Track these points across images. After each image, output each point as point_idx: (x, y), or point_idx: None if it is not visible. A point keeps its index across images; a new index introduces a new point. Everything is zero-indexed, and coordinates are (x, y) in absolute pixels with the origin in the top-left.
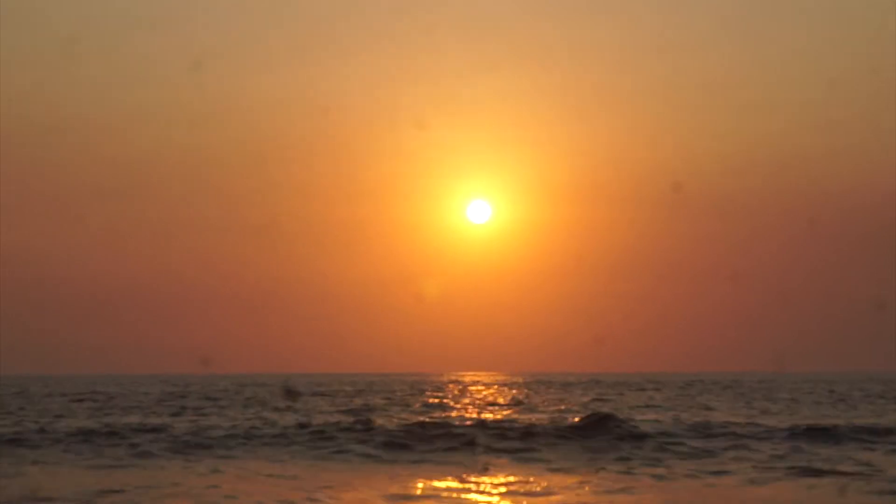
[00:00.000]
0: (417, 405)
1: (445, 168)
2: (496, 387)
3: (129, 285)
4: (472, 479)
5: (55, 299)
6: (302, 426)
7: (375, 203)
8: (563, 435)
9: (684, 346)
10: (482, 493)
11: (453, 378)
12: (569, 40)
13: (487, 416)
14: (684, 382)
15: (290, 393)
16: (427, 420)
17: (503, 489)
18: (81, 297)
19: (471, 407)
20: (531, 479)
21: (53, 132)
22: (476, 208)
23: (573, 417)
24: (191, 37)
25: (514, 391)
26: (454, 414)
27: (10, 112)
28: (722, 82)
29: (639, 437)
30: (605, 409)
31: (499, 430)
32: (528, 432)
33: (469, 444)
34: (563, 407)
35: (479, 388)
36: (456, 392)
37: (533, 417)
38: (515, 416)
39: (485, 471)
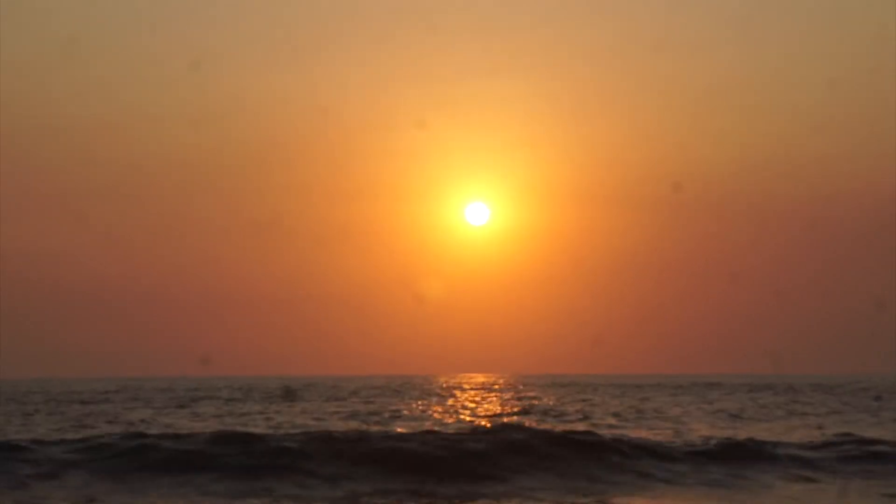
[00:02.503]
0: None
1: (444, 170)
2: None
3: (127, 286)
4: None
5: (55, 301)
6: None
7: (374, 204)
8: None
9: (683, 349)
10: None
11: (445, 381)
12: (568, 43)
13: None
14: (704, 384)
15: (289, 393)
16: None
17: None
18: (80, 299)
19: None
20: None
21: (53, 132)
22: (475, 210)
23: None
24: (191, 37)
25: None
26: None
27: (10, 112)
28: (722, 84)
29: None
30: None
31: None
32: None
33: None
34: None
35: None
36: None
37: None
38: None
39: None
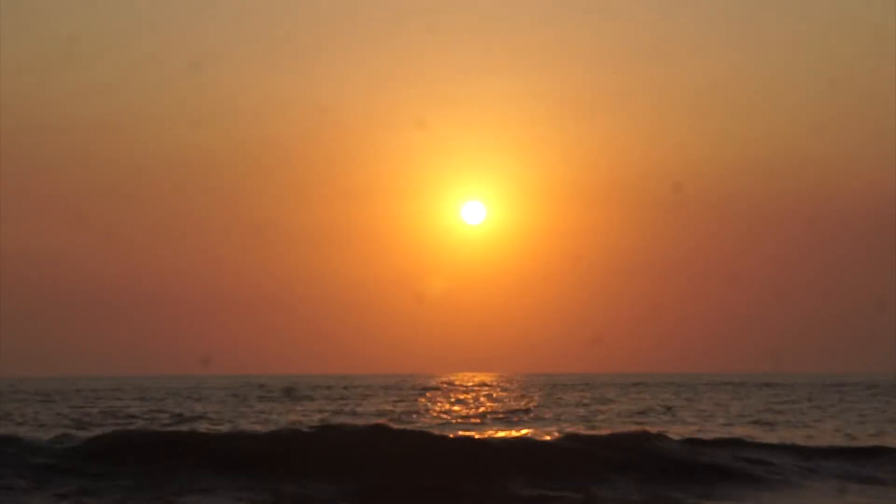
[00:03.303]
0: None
1: (441, 169)
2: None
3: (128, 286)
4: None
5: (54, 300)
6: None
7: (371, 204)
8: None
9: (682, 347)
10: None
11: (443, 380)
12: (566, 43)
13: None
14: (717, 383)
15: (290, 393)
16: None
17: None
18: (79, 298)
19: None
20: None
21: (53, 132)
22: (471, 209)
23: None
24: (191, 37)
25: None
26: None
27: (10, 112)
28: (721, 84)
29: None
30: None
31: None
32: None
33: None
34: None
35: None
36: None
37: None
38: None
39: None
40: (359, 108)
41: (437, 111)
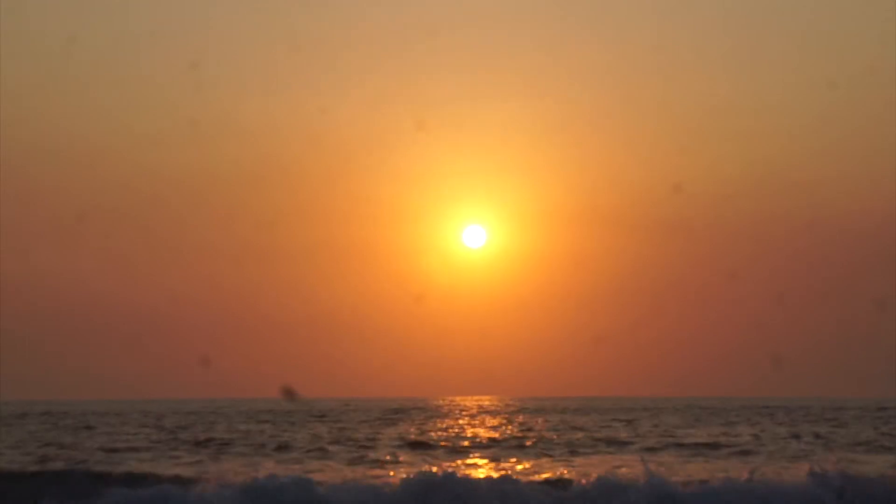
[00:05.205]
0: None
1: (442, 193)
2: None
3: (124, 308)
4: None
5: (54, 323)
6: None
7: (372, 226)
8: None
9: (685, 370)
10: None
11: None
12: (567, 65)
13: None
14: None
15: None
16: None
17: None
18: (77, 320)
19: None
20: None
21: (50, 154)
22: (472, 233)
23: None
24: (190, 42)
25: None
26: None
27: (9, 133)
28: (724, 104)
29: None
30: None
31: None
32: None
33: None
34: None
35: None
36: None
37: None
38: None
39: None
40: (357, 128)
41: (435, 135)
